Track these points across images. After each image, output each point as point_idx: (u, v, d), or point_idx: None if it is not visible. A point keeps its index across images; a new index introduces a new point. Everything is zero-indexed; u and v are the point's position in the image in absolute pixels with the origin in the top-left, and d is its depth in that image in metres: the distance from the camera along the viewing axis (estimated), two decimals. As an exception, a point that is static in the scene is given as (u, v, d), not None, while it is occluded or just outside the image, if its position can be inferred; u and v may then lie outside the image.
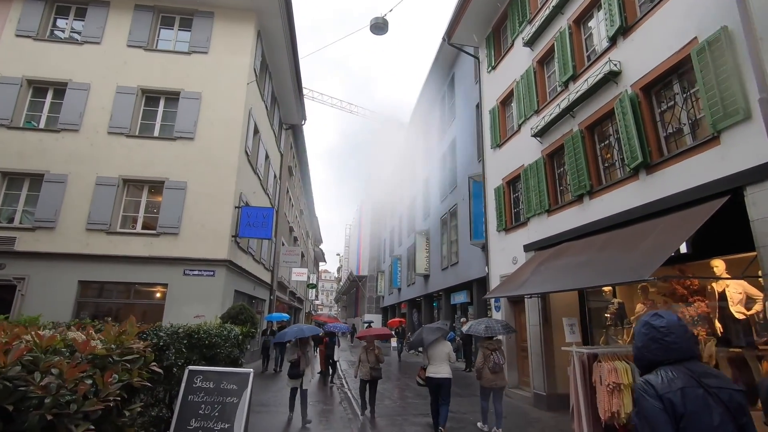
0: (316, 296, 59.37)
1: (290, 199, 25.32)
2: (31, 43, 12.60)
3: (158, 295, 11.46)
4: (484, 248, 13.41)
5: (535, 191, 9.08)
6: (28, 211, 11.52)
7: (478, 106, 15.05)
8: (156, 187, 12.11)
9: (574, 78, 8.13)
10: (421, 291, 22.68)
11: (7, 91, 12.04)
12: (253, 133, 14.49)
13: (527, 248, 9.18)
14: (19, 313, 10.57)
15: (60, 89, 12.43)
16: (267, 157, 17.18)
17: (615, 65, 6.92)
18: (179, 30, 13.66)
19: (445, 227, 19.04)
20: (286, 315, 13.87)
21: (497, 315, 10.57)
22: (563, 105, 7.99)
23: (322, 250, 55.45)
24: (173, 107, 12.77)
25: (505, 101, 11.19)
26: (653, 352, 1.73)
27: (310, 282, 39.95)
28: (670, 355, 1.69)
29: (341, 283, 78.09)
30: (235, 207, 12.31)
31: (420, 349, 7.65)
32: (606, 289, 7.62)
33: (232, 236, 12.08)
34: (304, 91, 22.84)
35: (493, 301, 10.80)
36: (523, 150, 9.81)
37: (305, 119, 22.07)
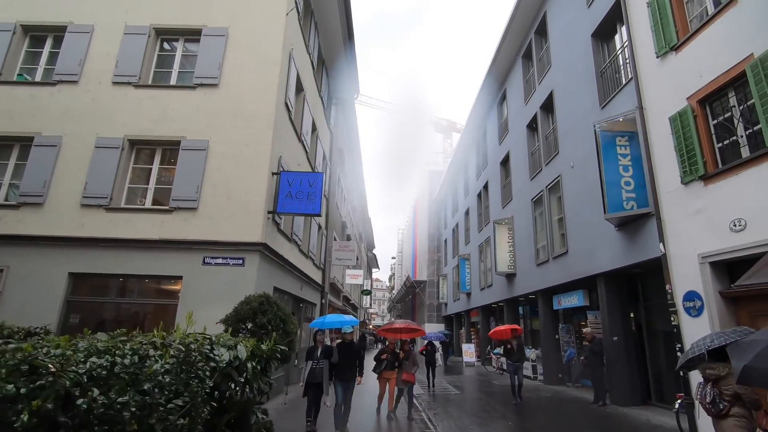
0: (370, 304, 56.17)
1: (342, 189, 22.13)
2: (28, -16, 10.23)
3: (171, 292, 8.38)
4: (624, 224, 9.16)
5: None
6: (15, 185, 8.95)
7: (597, 33, 10.90)
8: (170, 149, 9.15)
9: None
10: (503, 294, 18.42)
11: (-2, 39, 9.69)
12: (296, 89, 11.29)
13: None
14: (-8, 316, 7.89)
15: (59, 36, 9.92)
16: (315, 128, 13.99)
17: None
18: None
19: (539, 209, 14.79)
20: (352, 318, 9.45)
21: (693, 321, 6.33)
22: None
23: (375, 255, 52.21)
24: (194, 51, 9.86)
25: (681, -22, 7.05)
26: None
27: (365, 288, 36.66)
28: None
29: (394, 292, 74.27)
30: (273, 173, 9.05)
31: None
32: None
33: (269, 212, 8.81)
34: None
35: (681, 301, 6.57)
36: (743, 31, 5.65)
37: (358, 93, 18.80)
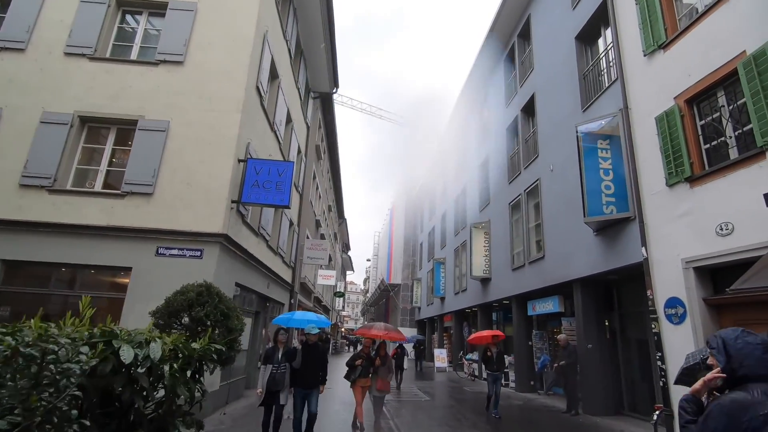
0: (343, 307, 55.27)
1: (318, 187, 21.47)
2: (-26, -59, 9.26)
3: (118, 284, 7.61)
4: (603, 228, 8.95)
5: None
6: (-55, 160, 7.97)
7: (581, 36, 10.76)
8: (126, 129, 8.38)
9: None
10: (477, 299, 18.15)
11: (-65, -2, 8.70)
12: (270, 75, 10.67)
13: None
14: None
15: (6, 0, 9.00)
16: (290, 119, 13.37)
17: None
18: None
19: (516, 213, 14.59)
20: (324, 318, 8.73)
21: (674, 329, 6.08)
22: None
23: (350, 257, 51.53)
24: (159, 27, 9.13)
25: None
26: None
27: (338, 290, 35.93)
28: None
29: (368, 295, 73.57)
30: (239, 160, 8.41)
31: None
32: None
33: (233, 201, 8.15)
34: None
35: (662, 307, 6.32)
36: (735, 28, 5.47)
37: (337, 87, 18.25)
